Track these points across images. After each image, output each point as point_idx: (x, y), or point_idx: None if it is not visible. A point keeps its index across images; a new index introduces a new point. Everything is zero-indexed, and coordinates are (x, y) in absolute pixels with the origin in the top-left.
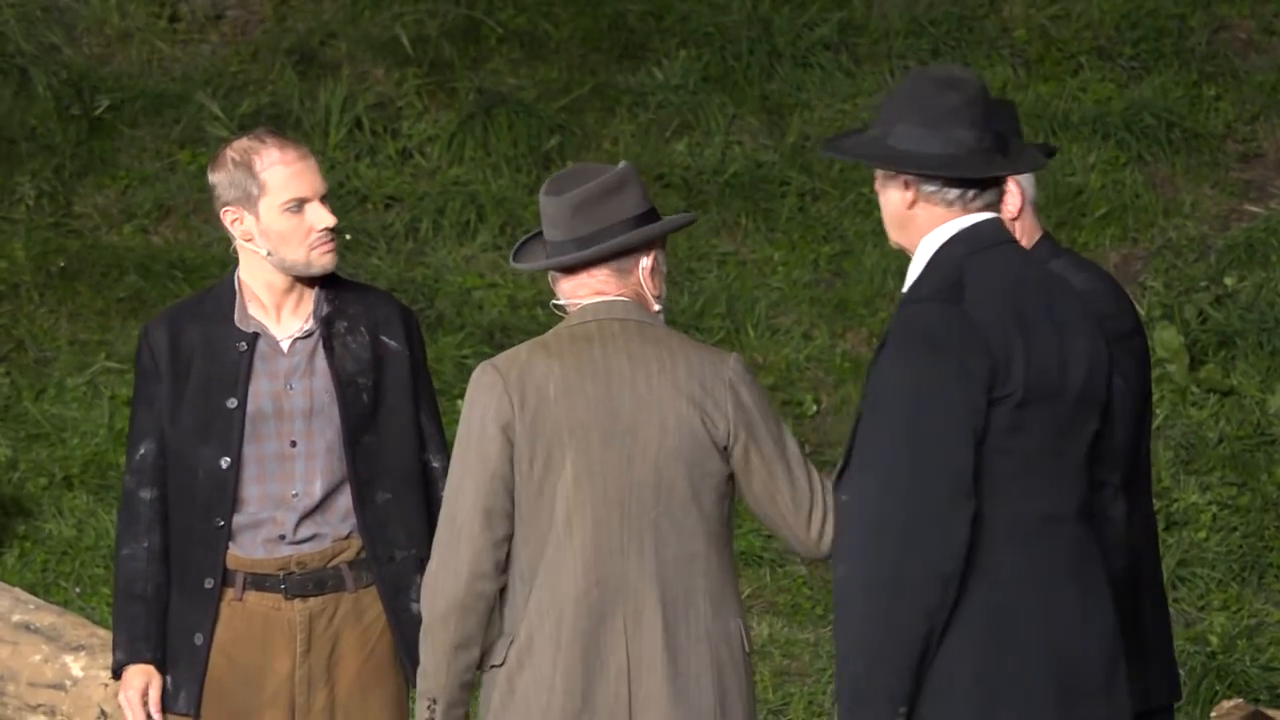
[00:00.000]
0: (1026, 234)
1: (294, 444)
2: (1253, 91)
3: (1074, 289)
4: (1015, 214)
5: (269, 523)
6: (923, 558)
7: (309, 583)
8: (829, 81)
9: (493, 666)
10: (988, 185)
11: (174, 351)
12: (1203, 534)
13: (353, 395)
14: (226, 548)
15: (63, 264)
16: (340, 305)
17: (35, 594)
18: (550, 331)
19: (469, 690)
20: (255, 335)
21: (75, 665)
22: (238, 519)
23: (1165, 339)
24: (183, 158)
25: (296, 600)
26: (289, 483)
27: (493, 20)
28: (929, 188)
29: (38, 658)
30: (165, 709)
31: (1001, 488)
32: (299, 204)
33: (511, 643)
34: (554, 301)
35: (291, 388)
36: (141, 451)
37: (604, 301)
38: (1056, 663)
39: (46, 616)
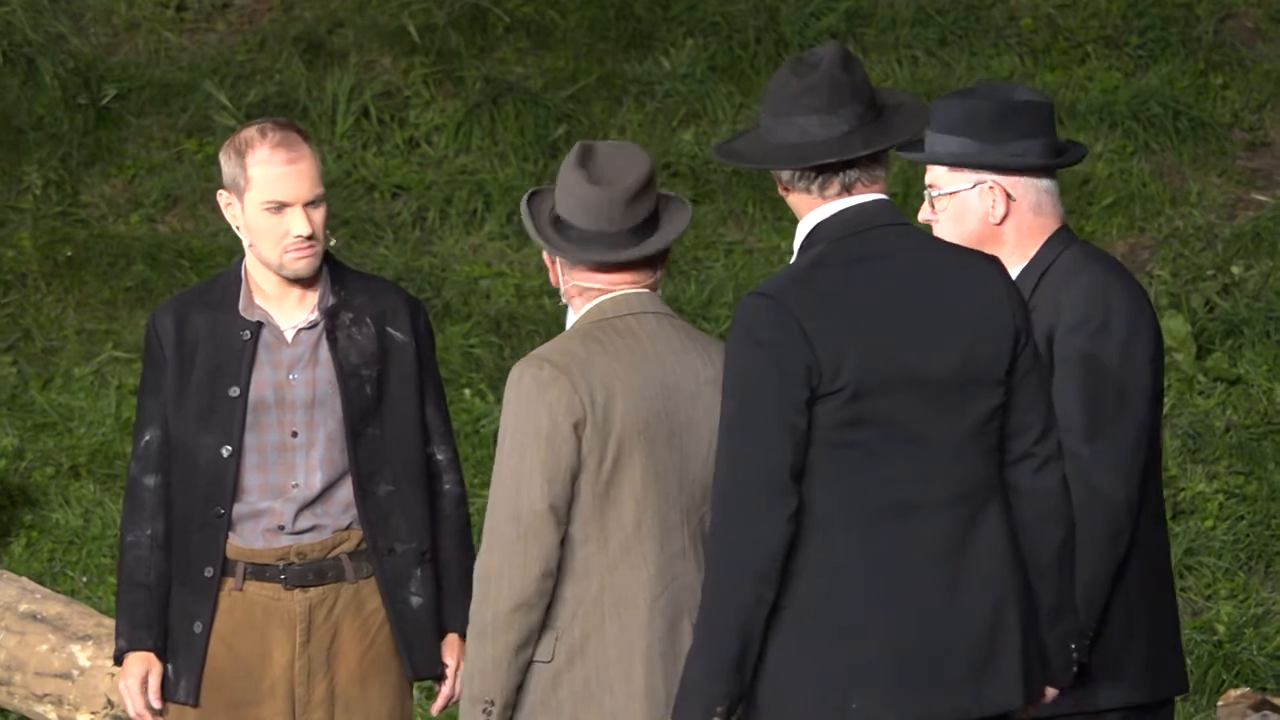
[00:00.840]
0: (1025, 236)
1: (295, 434)
2: (1259, 80)
3: (974, 262)
4: (999, 219)
5: (269, 513)
6: (737, 556)
7: (309, 573)
8: None
9: (534, 662)
10: (847, 166)
11: (180, 339)
12: (1209, 523)
13: (355, 386)
14: (226, 537)
15: (70, 253)
16: (346, 296)
17: (42, 583)
18: (589, 324)
19: (518, 690)
20: (259, 324)
21: (82, 655)
22: (238, 508)
23: (1172, 328)
24: (190, 147)
25: (296, 591)
26: (289, 473)
27: (500, 9)
28: (785, 176)
29: (44, 647)
30: (165, 697)
31: (842, 480)
32: (279, 206)
33: (558, 640)
34: (574, 284)
35: (294, 378)
36: (146, 438)
37: (633, 294)
38: (906, 654)
39: (53, 606)
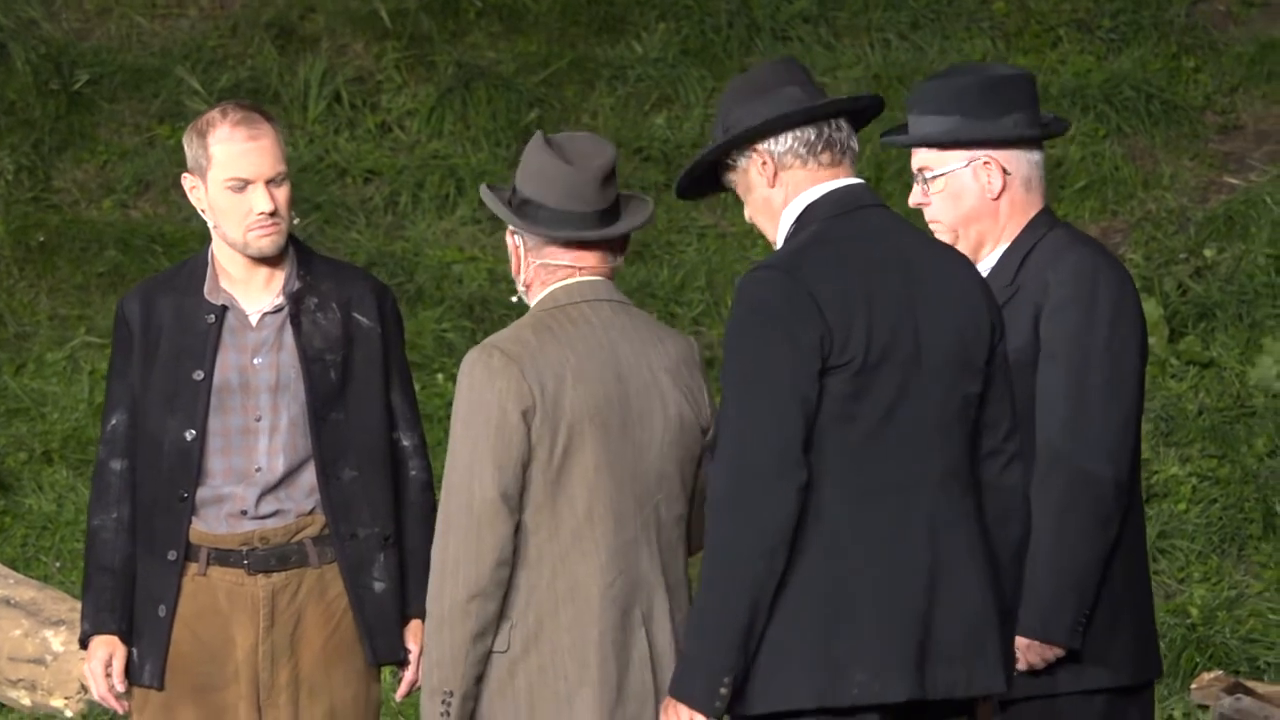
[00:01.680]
0: (1016, 212)
1: (259, 419)
2: (1231, 63)
3: (952, 253)
4: (996, 194)
5: (231, 497)
6: (747, 529)
7: (271, 558)
8: (808, 55)
9: (491, 653)
10: (834, 138)
11: (146, 323)
12: (1182, 506)
13: (319, 371)
14: (190, 520)
15: (42, 239)
16: (312, 281)
17: (15, 569)
18: (542, 311)
19: (478, 681)
20: (224, 308)
21: (55, 640)
22: (201, 492)
23: (1144, 311)
24: (162, 132)
25: (259, 576)
26: (252, 457)
27: None
28: (780, 148)
29: (18, 632)
30: (130, 680)
31: (844, 455)
32: (241, 184)
33: (513, 628)
34: (540, 264)
35: (258, 362)
36: (113, 422)
37: (588, 282)
38: (906, 628)
39: (26, 591)
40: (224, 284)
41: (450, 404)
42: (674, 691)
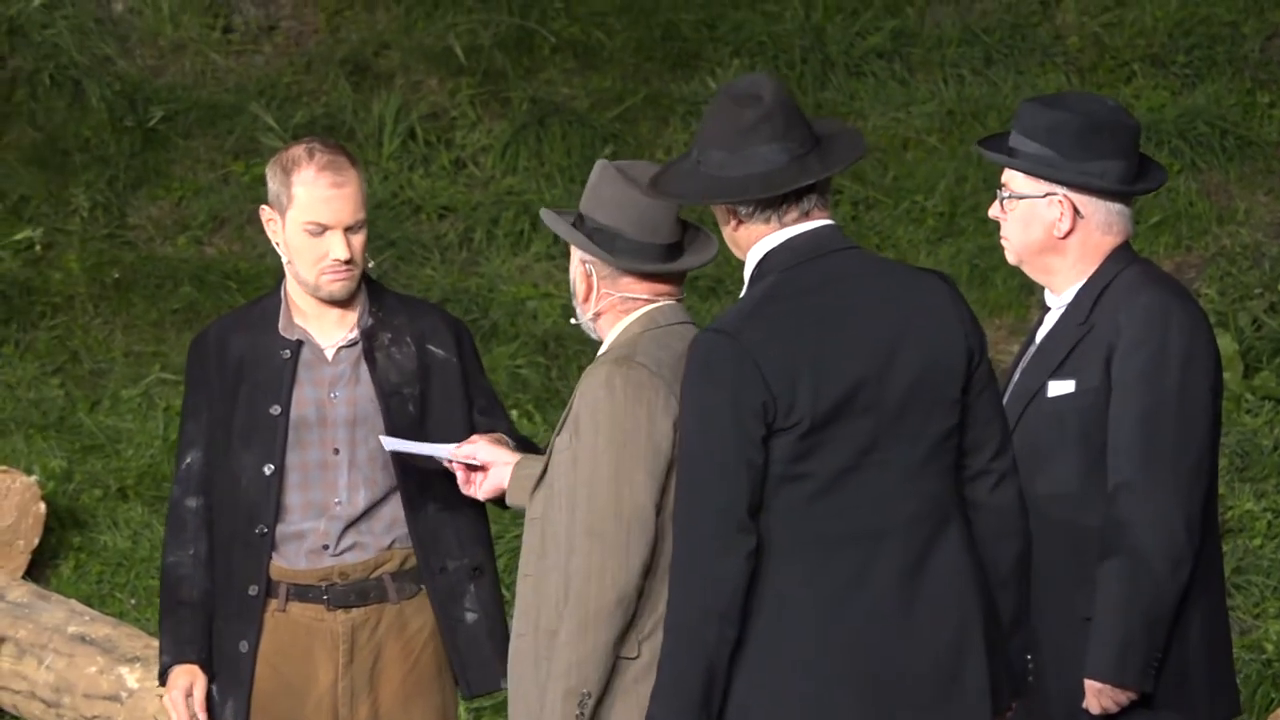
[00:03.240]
0: (1089, 253)
1: (337, 451)
2: None
3: (928, 283)
4: (1064, 234)
5: (312, 533)
6: (695, 596)
7: (351, 594)
8: (882, 90)
9: (619, 658)
10: (808, 191)
11: (221, 360)
12: (1258, 541)
13: (398, 405)
14: (270, 556)
15: (117, 275)
16: (385, 316)
17: (90, 606)
18: (652, 330)
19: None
20: (299, 343)
21: (131, 677)
22: (281, 528)
23: (1219, 346)
24: (236, 169)
25: (339, 611)
26: (332, 491)
27: (546, 30)
28: (744, 210)
29: (93, 669)
30: (213, 719)
31: (795, 513)
32: (320, 229)
33: (642, 636)
34: (618, 296)
35: (335, 395)
36: (188, 460)
37: (672, 305)
38: (872, 678)
39: (102, 628)
40: (298, 320)
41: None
42: None
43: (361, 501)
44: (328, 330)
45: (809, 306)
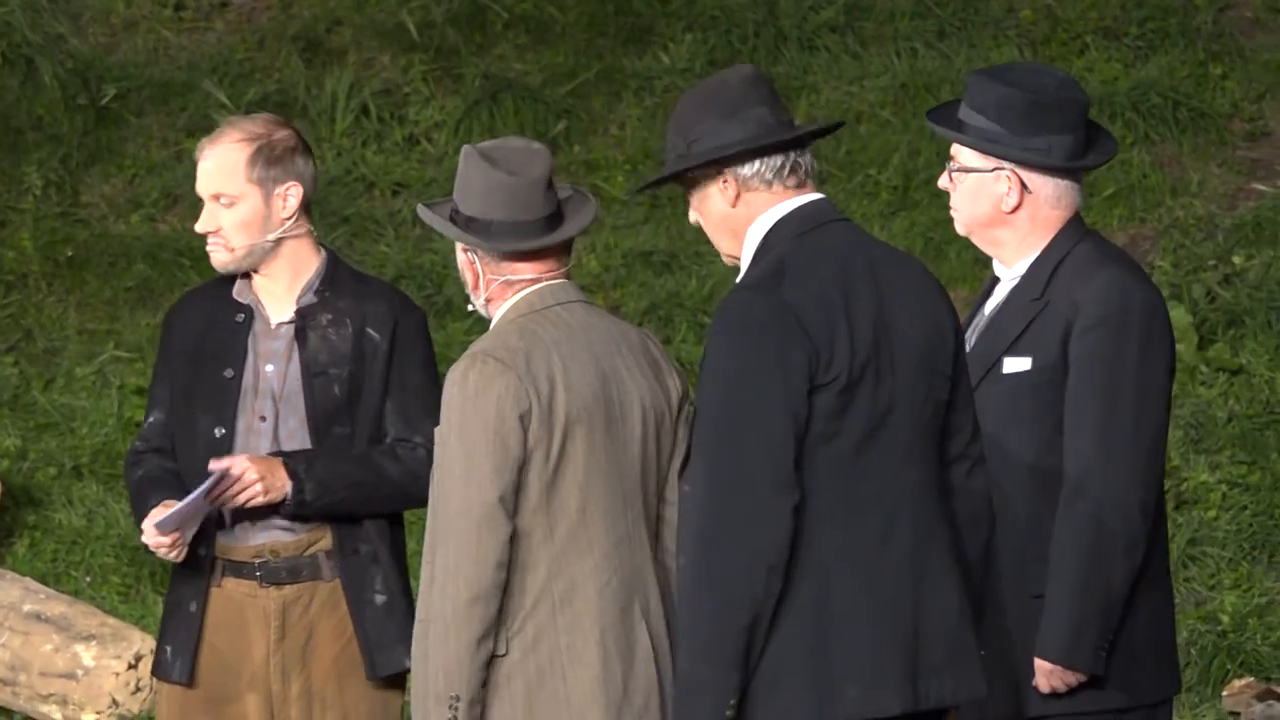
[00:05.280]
0: (1039, 227)
1: (264, 419)
2: (1259, 70)
3: (913, 262)
4: (1011, 209)
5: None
6: (744, 549)
7: (283, 570)
8: (835, 64)
9: (494, 656)
10: (797, 159)
11: (184, 327)
12: (1213, 513)
13: (322, 386)
14: (217, 517)
15: (70, 253)
16: (332, 297)
17: (46, 584)
18: (520, 317)
19: (482, 686)
20: (250, 309)
21: (86, 654)
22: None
23: (1174, 318)
24: (189, 146)
25: (271, 588)
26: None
27: (498, 6)
28: (746, 171)
29: (49, 647)
30: (160, 676)
31: (831, 472)
32: (202, 199)
33: (510, 633)
34: (501, 280)
35: (269, 369)
36: (150, 419)
37: (557, 285)
38: (894, 641)
39: (57, 606)
40: (253, 289)
41: None
42: (678, 718)
43: None
44: (276, 303)
45: (828, 268)
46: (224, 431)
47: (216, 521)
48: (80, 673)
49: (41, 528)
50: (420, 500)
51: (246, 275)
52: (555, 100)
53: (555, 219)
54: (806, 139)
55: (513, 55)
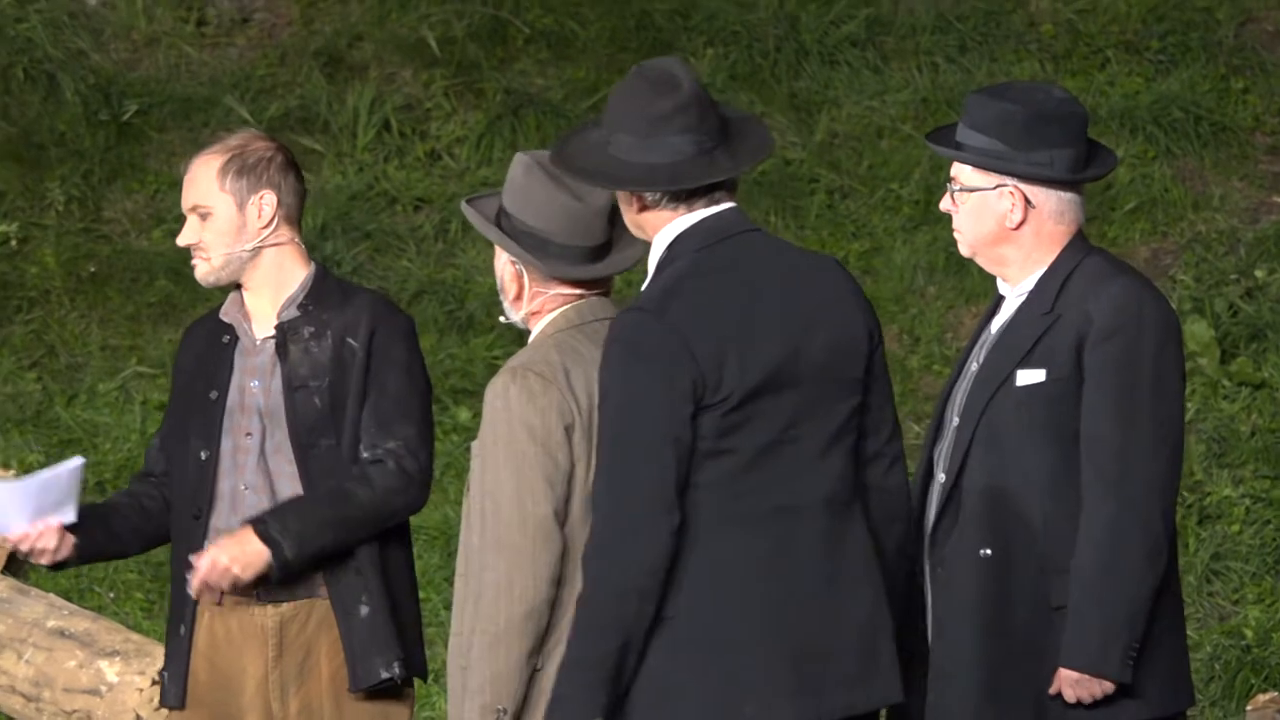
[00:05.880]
0: (1044, 242)
1: (249, 435)
2: None
3: (826, 266)
4: (1015, 225)
5: (236, 525)
6: (616, 571)
7: (279, 588)
8: (856, 79)
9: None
10: (712, 186)
11: (186, 354)
12: (1236, 527)
13: (303, 399)
14: (205, 539)
15: (93, 269)
16: (315, 310)
17: (69, 599)
18: (559, 333)
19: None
20: (234, 329)
21: (110, 671)
22: (217, 519)
23: (1196, 332)
24: None
25: (269, 606)
26: (242, 475)
27: (520, 20)
28: (651, 197)
29: (72, 663)
30: (163, 703)
31: (723, 489)
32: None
33: (550, 647)
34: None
35: (255, 385)
36: (153, 444)
37: (598, 300)
38: (795, 654)
39: (81, 622)
40: (237, 307)
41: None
42: None
43: (267, 489)
44: (263, 319)
45: (726, 284)
46: (208, 454)
47: (204, 543)
48: (104, 689)
49: None
50: (397, 516)
51: (238, 293)
52: (577, 115)
53: (605, 248)
54: (711, 185)
55: (534, 70)
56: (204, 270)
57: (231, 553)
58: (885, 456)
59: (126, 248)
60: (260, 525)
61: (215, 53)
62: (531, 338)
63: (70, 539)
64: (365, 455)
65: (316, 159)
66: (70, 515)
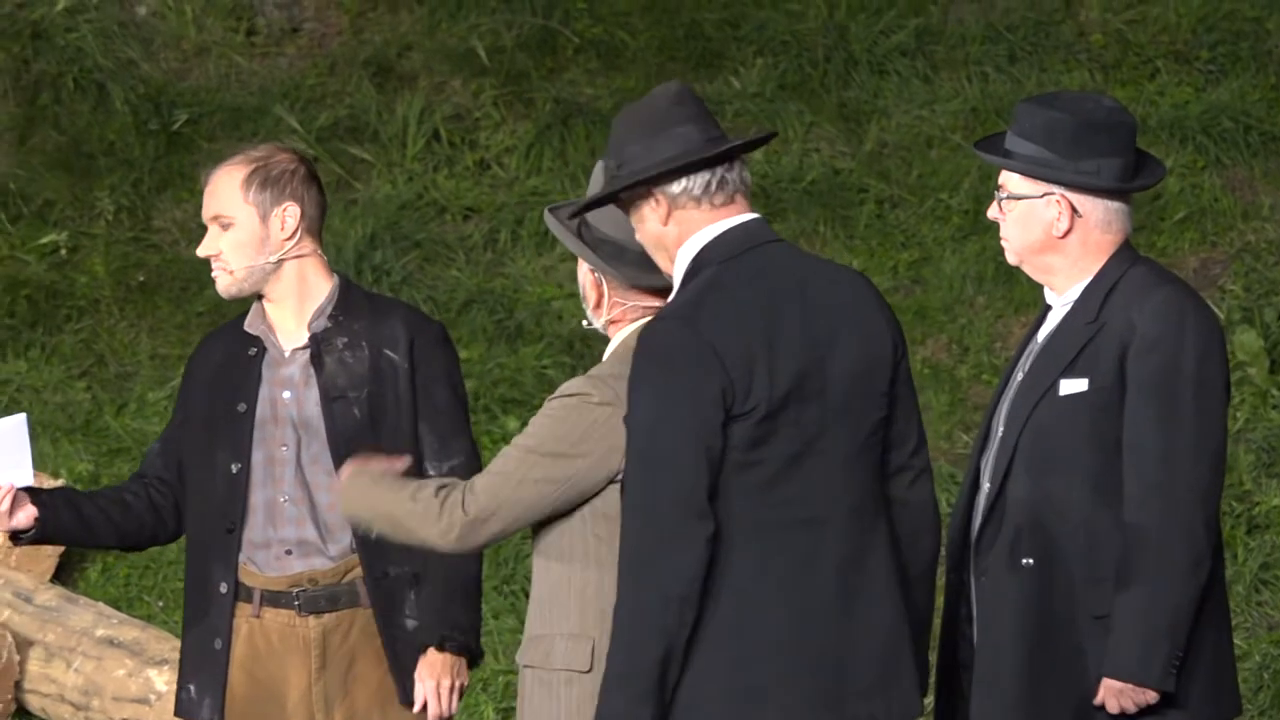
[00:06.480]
0: (1091, 251)
1: (284, 447)
2: None
3: (852, 279)
4: (1062, 233)
5: (274, 536)
6: (655, 581)
7: (321, 599)
8: (906, 88)
9: (575, 672)
10: (728, 171)
11: (203, 366)
12: None
13: (341, 410)
14: (239, 552)
15: (142, 278)
16: (346, 320)
17: (118, 608)
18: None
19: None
20: (260, 340)
21: (159, 679)
22: (250, 532)
23: (1245, 342)
24: None
25: (310, 617)
26: (280, 488)
27: (569, 30)
28: (674, 189)
29: (121, 672)
30: (186, 717)
31: (750, 499)
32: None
33: (595, 647)
34: (629, 305)
35: (287, 395)
36: (153, 447)
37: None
38: (817, 666)
39: (130, 631)
40: (266, 319)
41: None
42: None
43: (306, 501)
44: (288, 331)
45: (753, 295)
46: (240, 466)
47: (238, 555)
48: (153, 698)
49: (114, 553)
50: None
51: (259, 305)
52: None
53: None
54: (733, 154)
55: (583, 80)
56: (225, 282)
57: (440, 678)
58: (911, 470)
59: (176, 257)
60: (445, 644)
61: (265, 62)
62: (610, 347)
63: (31, 509)
64: (431, 473)
65: (366, 168)
66: (25, 477)
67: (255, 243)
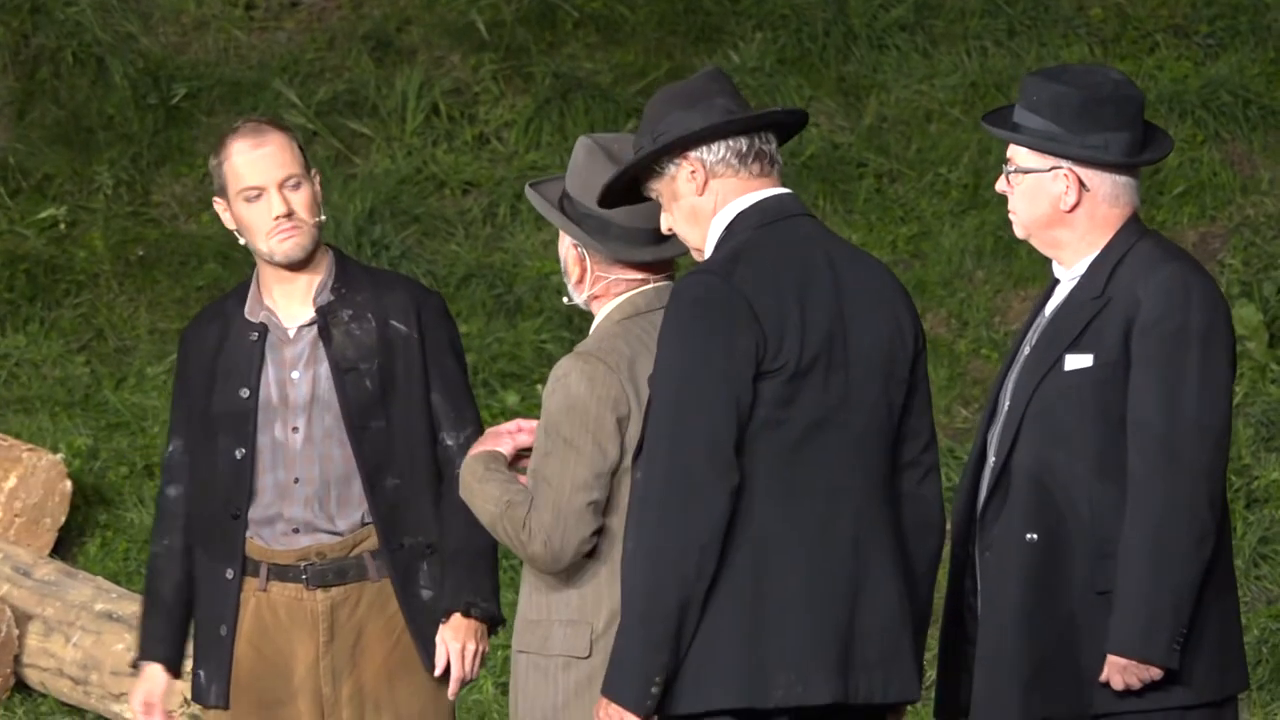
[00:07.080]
0: (1098, 225)
1: (296, 430)
2: None
3: (876, 264)
4: (1070, 207)
5: (282, 514)
6: (679, 529)
7: (329, 572)
8: (905, 62)
9: (573, 657)
10: (762, 146)
11: (199, 349)
12: None
13: (353, 382)
14: (244, 538)
15: (141, 253)
16: (347, 293)
17: (117, 583)
18: (627, 320)
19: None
20: (264, 325)
21: None
22: (255, 511)
23: (1244, 316)
24: None
25: (318, 590)
26: (291, 469)
27: (568, 4)
28: (713, 157)
29: (120, 646)
30: (200, 702)
31: (774, 459)
32: (256, 192)
33: (594, 635)
34: (612, 279)
35: (295, 375)
36: (170, 449)
37: (662, 287)
38: (829, 632)
39: (129, 605)
40: (266, 301)
41: None
42: (606, 691)
43: (318, 478)
44: (292, 309)
45: (785, 258)
46: (244, 452)
47: (244, 538)
48: None
49: (113, 527)
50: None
51: (256, 286)
52: (625, 99)
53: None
54: (768, 121)
55: (583, 54)
56: (304, 241)
57: (465, 642)
58: (921, 465)
59: (175, 231)
60: (470, 610)
61: (264, 36)
62: (595, 323)
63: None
64: (449, 443)
65: (365, 143)
66: None
67: (318, 204)
